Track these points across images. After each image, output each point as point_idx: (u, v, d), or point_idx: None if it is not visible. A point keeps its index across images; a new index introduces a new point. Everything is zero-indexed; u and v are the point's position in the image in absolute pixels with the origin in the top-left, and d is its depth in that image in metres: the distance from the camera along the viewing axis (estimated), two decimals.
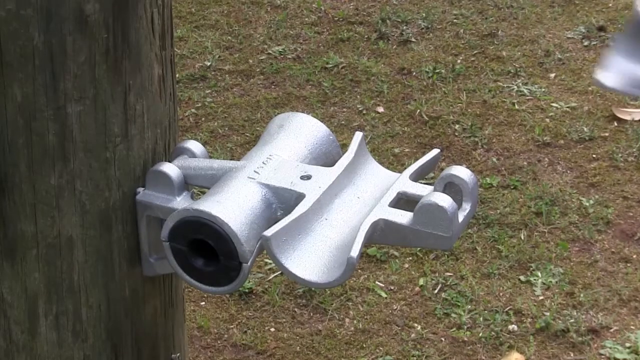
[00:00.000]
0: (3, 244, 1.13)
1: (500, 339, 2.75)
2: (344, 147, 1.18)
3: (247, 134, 3.64)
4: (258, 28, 4.38)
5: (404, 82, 3.89)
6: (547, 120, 3.63)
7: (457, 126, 3.61)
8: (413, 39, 4.20)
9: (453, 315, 2.83)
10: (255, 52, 4.19)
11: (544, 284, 2.92)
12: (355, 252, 1.01)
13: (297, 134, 1.20)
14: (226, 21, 4.43)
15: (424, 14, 4.36)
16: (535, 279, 2.94)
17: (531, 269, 2.97)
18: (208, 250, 1.09)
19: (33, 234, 1.12)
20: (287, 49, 4.20)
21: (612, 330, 2.78)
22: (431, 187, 1.09)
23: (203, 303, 2.92)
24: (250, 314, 2.88)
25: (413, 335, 2.78)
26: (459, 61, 4.03)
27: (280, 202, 1.11)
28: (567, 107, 3.68)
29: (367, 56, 4.12)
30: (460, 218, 1.04)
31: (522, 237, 3.08)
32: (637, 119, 3.53)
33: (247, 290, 2.93)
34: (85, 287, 1.16)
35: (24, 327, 1.16)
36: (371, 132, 3.53)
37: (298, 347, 2.75)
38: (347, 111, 3.72)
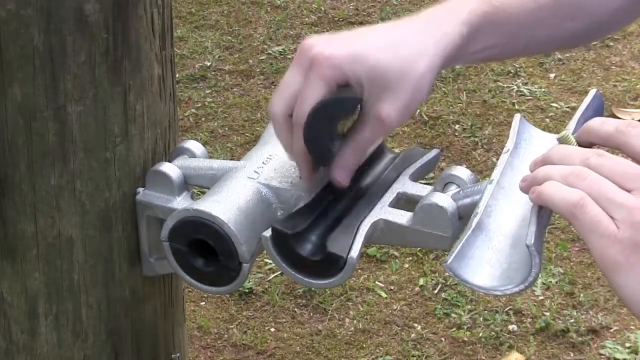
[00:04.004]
0: (3, 244, 1.13)
1: (500, 339, 2.75)
2: None
3: (247, 134, 3.64)
4: (258, 28, 4.38)
5: None
6: (547, 120, 3.63)
7: (457, 126, 3.61)
8: None
9: (453, 315, 2.83)
10: (255, 52, 4.19)
11: (544, 284, 2.92)
12: (355, 252, 1.01)
13: None
14: (226, 21, 4.43)
15: None
16: None
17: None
18: (208, 250, 1.09)
19: (33, 234, 1.12)
20: (287, 49, 4.20)
21: (612, 330, 2.78)
22: (431, 187, 1.09)
23: (203, 303, 2.92)
24: (250, 314, 2.88)
25: (413, 335, 2.78)
26: None
27: (280, 202, 1.11)
28: (567, 107, 3.68)
29: None
30: None
31: None
32: (637, 119, 3.53)
33: (247, 290, 2.93)
34: (85, 287, 1.15)
35: (24, 327, 1.16)
36: None
37: (298, 347, 2.75)
38: None
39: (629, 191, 0.84)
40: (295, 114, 1.03)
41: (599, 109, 1.06)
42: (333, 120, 1.03)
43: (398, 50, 1.02)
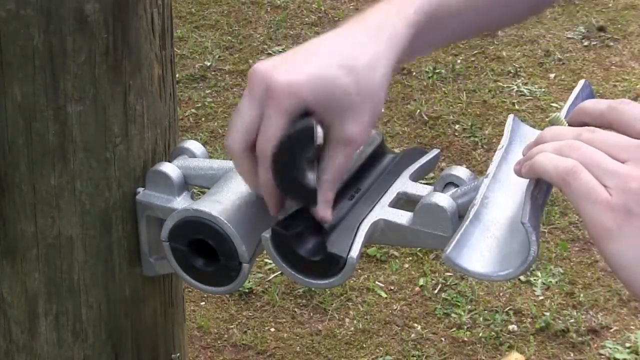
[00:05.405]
0: (3, 244, 1.13)
1: (500, 339, 2.75)
2: None
3: None
4: (258, 28, 4.38)
5: (404, 82, 3.89)
6: (547, 120, 3.63)
7: (457, 126, 3.61)
8: None
9: (453, 315, 2.83)
10: (255, 52, 4.20)
11: (544, 284, 2.92)
12: (355, 252, 1.01)
13: None
14: (226, 21, 4.43)
15: None
16: (535, 279, 2.95)
17: (531, 269, 2.97)
18: (208, 250, 1.09)
19: (33, 234, 1.12)
20: (287, 49, 4.20)
21: (612, 330, 2.78)
22: (431, 187, 1.09)
23: (203, 303, 2.92)
24: (250, 314, 2.88)
25: (413, 335, 2.78)
26: (459, 61, 4.03)
27: None
28: None
29: None
30: None
31: None
32: None
33: (247, 290, 2.93)
34: (85, 287, 1.16)
35: (24, 327, 1.16)
36: None
37: (298, 347, 2.75)
38: None
39: (622, 162, 0.84)
40: (259, 150, 0.99)
41: (588, 99, 1.06)
42: (299, 154, 0.99)
43: (353, 65, 0.99)
